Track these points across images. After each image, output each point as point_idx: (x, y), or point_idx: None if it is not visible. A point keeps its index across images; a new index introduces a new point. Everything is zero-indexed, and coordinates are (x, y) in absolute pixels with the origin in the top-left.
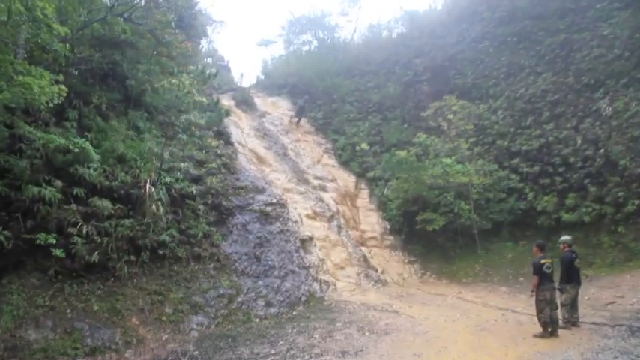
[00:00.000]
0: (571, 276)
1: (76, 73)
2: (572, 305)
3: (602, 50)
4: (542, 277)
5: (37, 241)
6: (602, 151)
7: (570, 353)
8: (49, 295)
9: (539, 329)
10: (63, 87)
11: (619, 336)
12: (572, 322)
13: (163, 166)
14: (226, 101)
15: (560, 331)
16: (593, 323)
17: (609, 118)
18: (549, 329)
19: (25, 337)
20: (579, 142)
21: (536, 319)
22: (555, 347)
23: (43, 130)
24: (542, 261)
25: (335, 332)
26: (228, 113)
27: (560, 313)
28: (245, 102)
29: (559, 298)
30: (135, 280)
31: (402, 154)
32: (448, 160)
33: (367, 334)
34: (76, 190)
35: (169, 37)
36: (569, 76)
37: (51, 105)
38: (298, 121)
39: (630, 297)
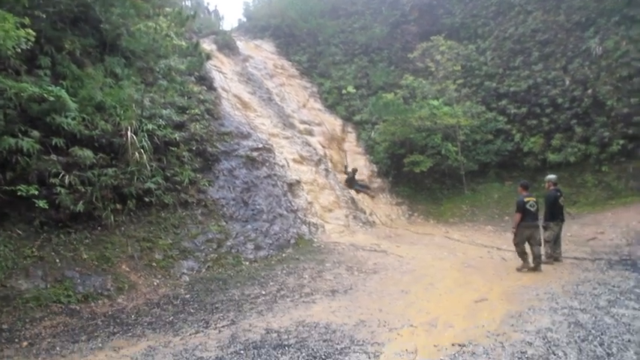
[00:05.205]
0: (555, 214)
1: (44, 16)
2: (555, 242)
3: None
4: (525, 214)
5: (19, 193)
6: (590, 91)
7: (552, 286)
8: (36, 246)
9: (520, 263)
10: (30, 31)
11: (598, 269)
12: (554, 257)
13: (144, 113)
14: (208, 45)
15: (543, 266)
16: (574, 258)
17: (599, 58)
18: (529, 261)
19: (15, 287)
20: (568, 82)
21: None
22: (538, 281)
23: (14, 78)
24: (526, 199)
25: (324, 272)
26: (209, 57)
27: (543, 249)
28: (227, 46)
29: (542, 235)
30: (122, 228)
31: (389, 96)
32: (435, 102)
33: (356, 273)
34: (55, 140)
35: None
36: (559, 14)
37: (19, 51)
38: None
39: (610, 233)
